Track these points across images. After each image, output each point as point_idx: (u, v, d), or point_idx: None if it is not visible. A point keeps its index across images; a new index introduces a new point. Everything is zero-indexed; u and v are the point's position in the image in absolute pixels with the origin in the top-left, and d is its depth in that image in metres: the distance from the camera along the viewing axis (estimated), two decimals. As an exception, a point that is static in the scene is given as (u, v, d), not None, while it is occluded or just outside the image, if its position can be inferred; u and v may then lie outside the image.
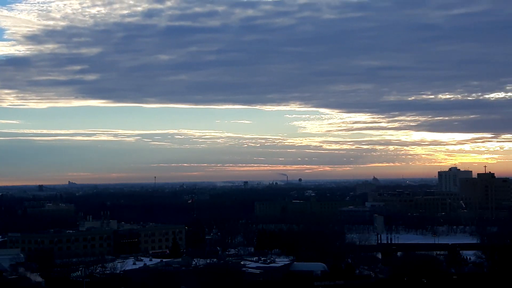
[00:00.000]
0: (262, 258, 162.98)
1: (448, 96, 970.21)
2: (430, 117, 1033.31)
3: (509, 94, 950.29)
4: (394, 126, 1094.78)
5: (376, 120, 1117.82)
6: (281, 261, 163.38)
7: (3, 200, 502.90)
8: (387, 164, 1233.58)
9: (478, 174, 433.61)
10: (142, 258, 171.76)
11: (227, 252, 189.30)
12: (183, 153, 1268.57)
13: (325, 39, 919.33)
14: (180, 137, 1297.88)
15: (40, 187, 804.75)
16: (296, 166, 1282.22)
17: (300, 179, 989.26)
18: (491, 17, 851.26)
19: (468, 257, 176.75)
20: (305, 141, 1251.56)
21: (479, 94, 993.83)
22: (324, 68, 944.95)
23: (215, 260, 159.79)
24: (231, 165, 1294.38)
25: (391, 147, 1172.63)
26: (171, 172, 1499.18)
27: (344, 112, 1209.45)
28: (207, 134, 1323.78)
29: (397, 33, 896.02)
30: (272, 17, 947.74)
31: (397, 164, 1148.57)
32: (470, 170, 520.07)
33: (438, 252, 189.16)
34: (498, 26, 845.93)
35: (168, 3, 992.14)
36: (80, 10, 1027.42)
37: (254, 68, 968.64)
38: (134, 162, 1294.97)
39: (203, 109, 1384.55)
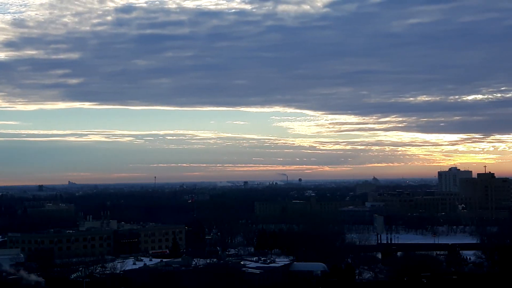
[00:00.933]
0: (262, 258, 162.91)
1: (426, 99, 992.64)
2: (415, 118, 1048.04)
3: (486, 96, 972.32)
4: (382, 127, 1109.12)
5: (363, 121, 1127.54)
6: (281, 261, 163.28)
7: (3, 200, 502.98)
8: (385, 165, 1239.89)
9: (478, 174, 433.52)
10: (142, 258, 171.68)
11: (227, 252, 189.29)
12: (182, 153, 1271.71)
13: (294, 46, 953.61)
14: (172, 137, 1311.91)
15: (40, 187, 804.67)
16: (295, 166, 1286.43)
17: (300, 179, 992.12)
18: (444, 26, 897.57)
19: (468, 257, 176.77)
20: (299, 142, 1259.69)
21: (457, 97, 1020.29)
22: (300, 72, 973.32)
23: (215, 260, 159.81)
24: (230, 165, 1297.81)
25: (387, 148, 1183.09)
26: (171, 173, 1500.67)
27: (328, 114, 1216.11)
28: (202, 134, 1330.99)
29: (362, 40, 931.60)
30: (238, 26, 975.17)
31: (395, 164, 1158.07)
32: (470, 170, 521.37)
33: (438, 252, 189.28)
34: (454, 34, 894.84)
35: (134, 14, 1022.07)
36: (51, 18, 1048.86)
37: (231, 72, 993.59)
38: (132, 162, 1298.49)
39: (190, 111, 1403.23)
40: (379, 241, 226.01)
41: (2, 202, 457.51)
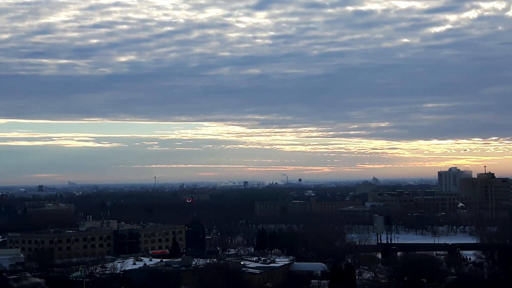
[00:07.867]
0: (262, 258, 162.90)
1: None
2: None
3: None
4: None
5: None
6: (281, 261, 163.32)
7: (3, 200, 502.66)
8: (383, 166, 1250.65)
9: (478, 174, 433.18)
10: (142, 258, 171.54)
11: (227, 252, 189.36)
12: (178, 154, 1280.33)
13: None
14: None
15: (40, 187, 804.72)
16: (294, 167, 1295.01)
17: (300, 179, 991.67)
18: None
19: (468, 257, 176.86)
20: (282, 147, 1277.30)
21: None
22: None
23: (215, 260, 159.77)
24: (230, 165, 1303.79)
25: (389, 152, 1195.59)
26: (170, 173, 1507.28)
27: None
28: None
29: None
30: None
31: (389, 165, 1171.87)
32: (470, 170, 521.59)
33: (438, 252, 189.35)
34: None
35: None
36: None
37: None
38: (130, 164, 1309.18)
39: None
40: (379, 241, 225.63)
41: (2, 202, 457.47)
